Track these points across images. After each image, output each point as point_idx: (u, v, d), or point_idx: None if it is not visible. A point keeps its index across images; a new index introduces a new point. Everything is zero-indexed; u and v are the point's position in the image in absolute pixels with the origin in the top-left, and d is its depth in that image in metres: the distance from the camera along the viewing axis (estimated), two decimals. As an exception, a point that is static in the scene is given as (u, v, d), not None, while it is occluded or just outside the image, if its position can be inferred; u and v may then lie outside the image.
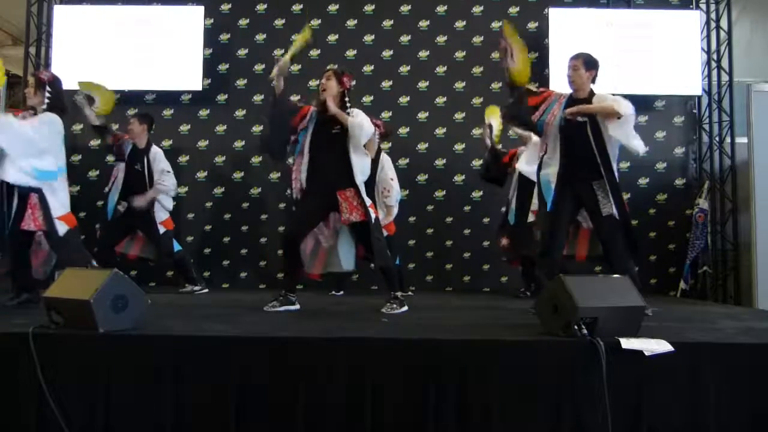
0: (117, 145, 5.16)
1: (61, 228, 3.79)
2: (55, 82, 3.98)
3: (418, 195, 6.32)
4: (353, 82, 3.89)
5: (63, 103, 4.02)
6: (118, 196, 5.13)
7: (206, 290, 5.33)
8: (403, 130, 6.35)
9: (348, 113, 3.79)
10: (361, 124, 3.73)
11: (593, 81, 3.80)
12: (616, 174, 3.75)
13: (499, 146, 5.42)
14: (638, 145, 3.71)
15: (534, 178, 4.32)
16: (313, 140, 3.86)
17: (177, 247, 5.34)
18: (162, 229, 5.15)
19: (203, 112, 6.41)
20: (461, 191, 6.31)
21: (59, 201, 3.84)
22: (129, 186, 5.11)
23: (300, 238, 3.84)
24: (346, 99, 3.86)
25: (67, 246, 3.83)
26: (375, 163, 4.89)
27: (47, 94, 3.89)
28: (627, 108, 3.62)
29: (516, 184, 5.24)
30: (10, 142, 3.61)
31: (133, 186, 5.10)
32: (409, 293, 5.21)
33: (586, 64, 3.77)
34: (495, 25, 6.45)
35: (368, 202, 3.81)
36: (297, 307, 3.82)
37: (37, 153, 3.72)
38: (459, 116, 6.38)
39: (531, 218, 4.96)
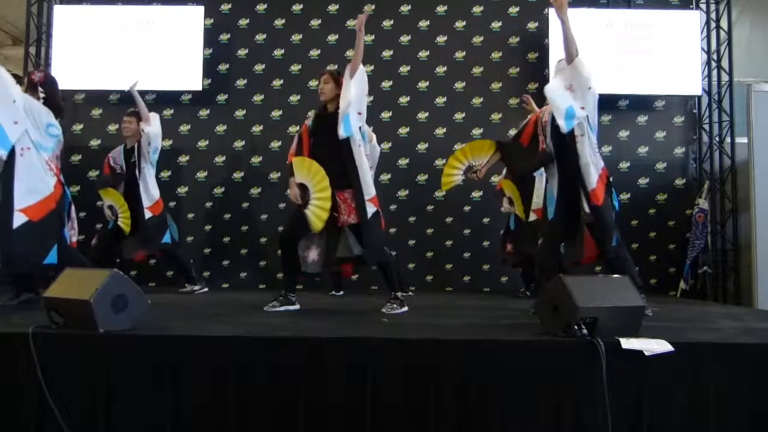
0: (113, 168, 5.13)
1: (18, 219, 3.60)
2: (47, 82, 3.95)
3: (418, 195, 6.32)
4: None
5: (57, 102, 3.97)
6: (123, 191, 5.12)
7: (206, 289, 5.33)
8: (403, 130, 6.35)
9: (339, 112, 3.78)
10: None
11: None
12: (592, 173, 3.63)
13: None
14: (560, 105, 3.54)
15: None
16: (315, 142, 3.86)
17: (167, 238, 5.15)
18: (148, 214, 5.02)
19: (203, 112, 6.42)
20: (461, 191, 6.28)
21: (26, 187, 3.67)
22: (128, 190, 5.10)
23: (297, 237, 3.83)
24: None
25: (14, 240, 3.59)
26: None
27: (40, 95, 3.88)
28: (584, 70, 3.58)
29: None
30: None
31: (132, 187, 5.08)
32: (410, 293, 5.21)
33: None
34: (495, 25, 6.46)
35: (369, 196, 3.77)
36: (297, 307, 3.82)
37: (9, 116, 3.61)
38: (459, 116, 6.38)
39: (533, 217, 4.99)
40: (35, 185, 3.70)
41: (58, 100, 3.99)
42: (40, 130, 3.77)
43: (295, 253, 3.85)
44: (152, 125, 5.03)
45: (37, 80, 3.93)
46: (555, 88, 3.64)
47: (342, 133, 3.70)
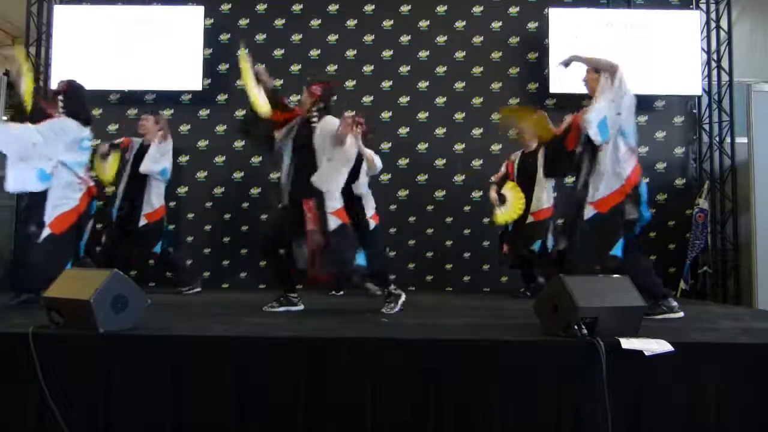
0: (126, 157, 5.17)
1: (44, 232, 3.70)
2: (69, 91, 3.93)
3: (418, 195, 6.31)
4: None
5: (78, 111, 3.92)
6: (120, 198, 5.12)
7: (198, 290, 5.25)
8: (403, 130, 6.35)
9: (313, 122, 3.78)
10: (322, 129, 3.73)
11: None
12: (603, 182, 3.65)
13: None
14: (600, 107, 3.59)
15: None
16: (294, 147, 3.85)
17: (157, 249, 5.15)
18: (143, 221, 5.05)
19: (203, 112, 6.41)
20: (461, 191, 6.31)
21: (53, 202, 3.75)
22: (131, 186, 5.10)
23: (274, 243, 3.80)
24: (314, 108, 3.81)
25: (37, 252, 3.69)
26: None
27: (60, 104, 3.88)
28: (624, 81, 3.64)
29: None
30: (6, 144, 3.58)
31: (137, 186, 5.08)
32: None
33: (595, 69, 3.81)
34: (495, 25, 6.45)
35: (332, 209, 3.69)
36: (300, 307, 3.81)
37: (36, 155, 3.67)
38: (459, 116, 6.38)
39: (530, 219, 5.02)
40: (60, 201, 3.78)
41: (79, 109, 3.93)
42: (74, 148, 3.81)
43: (276, 257, 3.82)
44: (158, 163, 5.10)
45: (59, 89, 3.93)
46: (595, 114, 3.61)
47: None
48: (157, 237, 5.16)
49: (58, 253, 3.74)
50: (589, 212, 3.61)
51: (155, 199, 5.13)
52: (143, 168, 5.05)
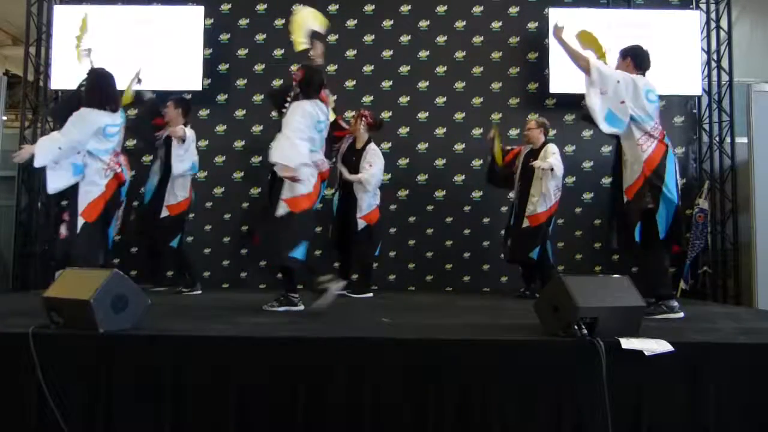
0: (157, 135, 5.18)
1: (79, 222, 3.75)
2: (89, 77, 3.97)
3: (418, 195, 6.31)
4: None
5: (97, 98, 3.89)
6: (157, 180, 5.17)
7: (199, 292, 5.20)
8: (403, 130, 6.35)
9: (284, 108, 3.79)
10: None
11: (638, 66, 3.85)
12: (631, 170, 3.78)
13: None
14: (594, 104, 3.64)
15: None
16: None
17: (173, 243, 5.13)
18: (164, 212, 5.06)
19: (203, 112, 6.41)
20: (461, 191, 6.31)
21: (84, 190, 3.80)
22: (161, 176, 5.13)
23: None
24: (291, 93, 3.81)
25: (75, 242, 3.76)
26: (360, 152, 5.16)
27: (81, 89, 3.89)
28: (604, 71, 3.69)
29: (517, 184, 5.29)
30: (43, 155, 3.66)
31: (165, 176, 5.10)
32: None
33: (622, 55, 3.91)
34: (495, 25, 6.45)
35: (286, 196, 3.63)
36: (300, 307, 3.79)
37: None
38: (459, 116, 6.38)
39: (526, 224, 5.01)
40: (88, 188, 3.82)
41: (99, 97, 3.91)
42: (99, 136, 3.82)
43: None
44: (183, 162, 5.09)
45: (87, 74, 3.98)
46: (592, 101, 3.69)
47: None
48: (177, 230, 5.14)
49: (96, 240, 3.81)
50: (625, 202, 3.76)
51: (179, 191, 5.12)
52: (175, 172, 5.06)
